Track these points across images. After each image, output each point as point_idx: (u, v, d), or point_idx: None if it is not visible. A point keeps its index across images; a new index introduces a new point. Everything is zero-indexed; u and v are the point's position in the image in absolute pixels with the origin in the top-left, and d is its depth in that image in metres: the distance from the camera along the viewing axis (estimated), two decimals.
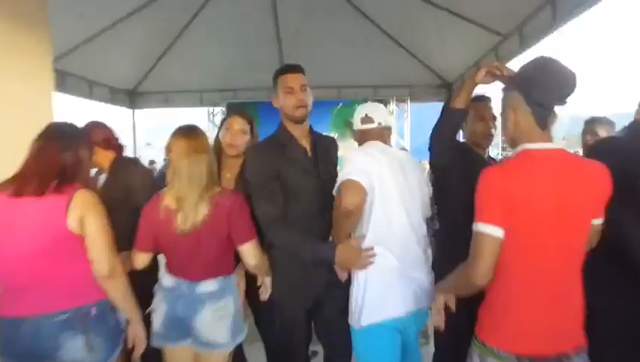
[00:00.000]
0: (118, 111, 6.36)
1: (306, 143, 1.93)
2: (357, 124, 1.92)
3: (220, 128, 2.29)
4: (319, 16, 5.01)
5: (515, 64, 4.37)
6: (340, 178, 1.67)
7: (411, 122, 6.45)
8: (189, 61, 5.87)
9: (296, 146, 1.89)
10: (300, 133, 1.92)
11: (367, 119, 1.88)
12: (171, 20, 5.15)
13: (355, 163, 1.70)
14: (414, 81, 6.32)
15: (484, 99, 2.11)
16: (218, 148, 2.19)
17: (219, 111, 6.59)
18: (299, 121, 1.90)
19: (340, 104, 6.21)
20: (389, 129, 1.91)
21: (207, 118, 6.66)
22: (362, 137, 1.91)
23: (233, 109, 5.14)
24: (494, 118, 2.07)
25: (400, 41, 5.42)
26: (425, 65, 5.90)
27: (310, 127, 1.98)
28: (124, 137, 2.50)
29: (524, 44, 3.91)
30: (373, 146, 1.80)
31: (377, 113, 1.89)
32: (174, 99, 6.71)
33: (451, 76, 6.03)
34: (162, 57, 5.80)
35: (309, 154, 1.91)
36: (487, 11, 4.13)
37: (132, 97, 6.59)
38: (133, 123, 6.73)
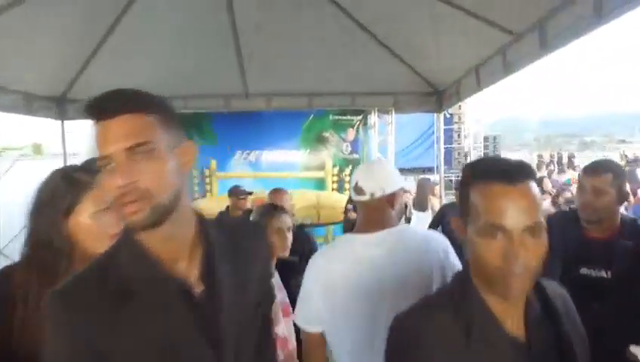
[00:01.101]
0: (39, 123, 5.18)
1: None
2: (352, 194, 1.63)
3: None
4: (283, 7, 3.99)
5: (531, 69, 3.55)
6: (297, 319, 1.50)
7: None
8: (127, 61, 4.76)
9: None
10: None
11: (357, 189, 1.56)
12: (105, 7, 4.04)
13: (308, 288, 1.46)
14: (399, 88, 5.38)
15: None
16: None
17: None
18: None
19: (312, 115, 5.21)
20: (390, 199, 1.52)
21: None
22: (358, 213, 1.60)
23: None
24: None
25: (382, 40, 4.45)
26: (412, 68, 4.95)
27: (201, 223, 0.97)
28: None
29: (546, 46, 2.99)
30: (343, 245, 1.52)
31: (371, 181, 1.52)
32: None
33: (443, 82, 5.11)
34: (95, 55, 4.66)
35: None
36: (495, 2, 3.21)
37: (60, 106, 5.41)
38: (63, 136, 5.55)
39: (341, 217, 4.97)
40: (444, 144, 17.45)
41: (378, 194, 1.48)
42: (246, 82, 5.26)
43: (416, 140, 17.57)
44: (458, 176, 15.18)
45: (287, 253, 2.12)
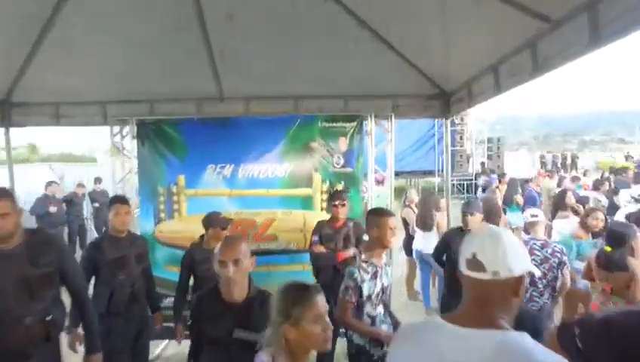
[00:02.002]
0: None
1: None
2: (461, 266, 1.22)
3: None
4: None
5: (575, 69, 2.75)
6: None
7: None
8: (83, 59, 3.98)
9: None
10: None
11: (473, 263, 1.17)
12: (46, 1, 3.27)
13: None
14: (400, 90, 4.60)
15: None
16: None
17: (127, 133, 4.67)
18: None
19: (298, 121, 4.43)
20: (517, 284, 1.14)
21: (110, 139, 4.74)
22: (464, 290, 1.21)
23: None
24: None
25: (381, 33, 3.68)
26: (414, 66, 4.17)
27: None
28: None
29: (597, 40, 2.20)
30: (427, 336, 1.18)
31: (495, 255, 1.14)
32: (68, 113, 4.78)
33: (451, 83, 4.34)
34: (38, 52, 3.87)
35: None
36: None
37: (2, 110, 4.63)
38: (8, 145, 4.77)
39: None
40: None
41: (504, 274, 1.13)
42: (220, 84, 4.49)
43: (415, 142, 16.80)
44: (460, 181, 14.33)
45: None
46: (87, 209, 9.93)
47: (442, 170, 15.92)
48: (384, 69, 4.14)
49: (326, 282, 3.56)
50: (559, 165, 25.25)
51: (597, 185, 7.54)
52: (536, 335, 1.15)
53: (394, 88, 4.60)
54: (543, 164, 26.93)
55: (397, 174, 17.07)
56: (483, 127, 18.85)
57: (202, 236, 3.60)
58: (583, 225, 4.35)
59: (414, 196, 6.21)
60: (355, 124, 4.39)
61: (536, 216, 4.01)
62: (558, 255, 3.62)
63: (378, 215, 2.78)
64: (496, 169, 15.65)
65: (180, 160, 4.41)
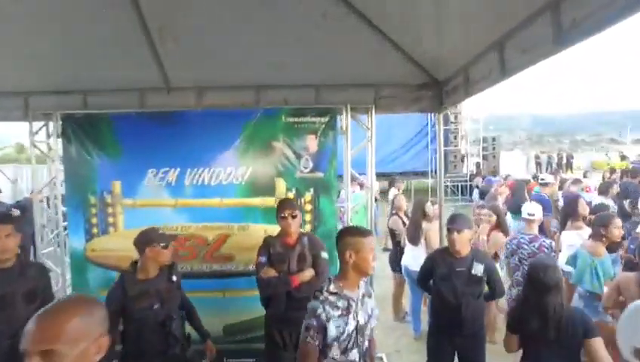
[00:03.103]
0: None
1: None
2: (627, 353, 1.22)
3: None
4: None
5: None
6: None
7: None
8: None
9: None
10: None
11: None
12: None
13: None
14: (383, 78, 3.84)
15: None
16: None
17: (54, 131, 3.85)
18: None
19: (257, 115, 3.65)
20: None
21: (29, 138, 3.91)
22: None
23: None
24: None
25: (360, 9, 2.92)
26: (400, 49, 3.41)
27: None
28: None
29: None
30: None
31: None
32: None
33: (444, 69, 3.59)
34: None
35: None
36: None
37: None
38: None
39: None
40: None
41: None
42: (164, 70, 3.70)
43: (408, 142, 16.06)
44: (454, 182, 13.50)
45: None
46: None
47: (435, 171, 15.25)
48: (364, 52, 3.40)
49: (278, 314, 2.80)
50: (555, 165, 24.71)
51: (604, 189, 6.80)
52: None
53: (376, 76, 3.83)
54: (538, 165, 26.39)
55: (388, 175, 16.38)
56: (477, 127, 18.15)
57: (136, 262, 2.74)
58: (598, 236, 3.60)
59: (403, 203, 5.45)
60: (327, 119, 3.62)
61: (533, 214, 4.18)
62: (546, 250, 3.81)
63: (353, 235, 2.15)
64: (492, 169, 14.97)
65: (114, 163, 3.61)
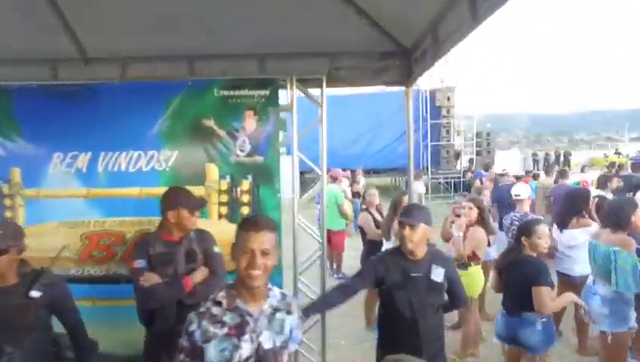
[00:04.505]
0: None
1: None
2: None
3: None
4: None
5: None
6: None
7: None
8: None
9: None
10: None
11: None
12: None
13: None
14: (339, 46, 3.23)
15: None
16: None
17: None
18: None
19: (184, 89, 3.03)
20: None
21: None
22: None
23: None
24: None
25: None
26: (363, 12, 2.81)
27: None
28: None
29: None
30: None
31: None
32: None
33: (411, 34, 2.98)
34: None
35: None
36: None
37: None
38: None
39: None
40: (432, 141, 15.41)
41: None
42: (77, 38, 3.09)
43: (400, 137, 15.44)
44: (447, 178, 12.93)
45: None
46: None
47: (427, 168, 14.66)
48: (317, 16, 2.81)
49: (167, 330, 2.17)
50: (552, 162, 24.20)
51: (603, 182, 6.22)
52: None
53: (331, 44, 3.22)
54: (535, 162, 25.85)
55: (379, 172, 15.78)
56: (471, 124, 17.52)
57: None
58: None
59: (375, 198, 4.85)
60: (267, 92, 3.00)
61: (519, 194, 4.57)
62: None
63: (240, 227, 1.59)
64: (485, 164, 14.37)
65: (12, 145, 2.99)
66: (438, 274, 2.19)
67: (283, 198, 3.17)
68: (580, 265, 3.96)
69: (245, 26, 3.02)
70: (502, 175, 8.01)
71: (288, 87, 3.03)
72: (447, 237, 4.07)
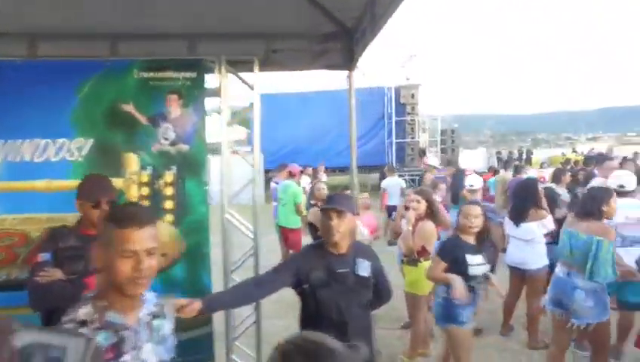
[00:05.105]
0: None
1: None
2: None
3: None
4: None
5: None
6: None
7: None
8: None
9: None
10: None
11: None
12: None
13: None
14: (276, 27, 3.00)
15: None
16: None
17: None
18: None
19: (100, 69, 2.71)
20: None
21: None
22: None
23: None
24: None
25: None
26: None
27: None
28: None
29: None
30: None
31: None
32: None
33: (351, 11, 2.77)
34: None
35: None
36: None
37: None
38: None
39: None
40: (397, 138, 15.41)
41: None
42: None
43: (366, 134, 15.33)
44: (412, 176, 12.91)
45: None
46: None
47: (392, 165, 14.60)
48: None
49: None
50: (512, 159, 24.90)
51: (557, 177, 6.25)
52: None
53: (268, 25, 2.98)
54: (500, 160, 26.47)
55: (344, 169, 15.62)
56: (437, 122, 17.64)
57: None
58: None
59: (323, 192, 4.65)
60: (193, 75, 2.72)
61: (473, 185, 5.16)
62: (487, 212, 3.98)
63: (115, 223, 1.26)
64: (447, 161, 14.47)
65: None
66: (364, 269, 1.98)
67: (240, 197, 2.93)
68: (535, 259, 3.89)
69: (174, 4, 2.74)
70: (461, 171, 8.03)
71: (217, 70, 2.76)
72: (397, 232, 3.91)
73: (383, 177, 9.59)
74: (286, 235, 6.17)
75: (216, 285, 2.84)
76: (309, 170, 9.40)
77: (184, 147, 2.69)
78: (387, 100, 14.74)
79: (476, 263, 2.71)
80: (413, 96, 14.88)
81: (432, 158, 7.99)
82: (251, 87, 2.89)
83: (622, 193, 3.56)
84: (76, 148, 2.66)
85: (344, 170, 15.30)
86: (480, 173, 11.82)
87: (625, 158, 9.84)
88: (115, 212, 1.33)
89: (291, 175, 6.74)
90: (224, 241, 2.85)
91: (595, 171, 6.44)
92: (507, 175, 8.28)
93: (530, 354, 3.78)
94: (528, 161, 28.33)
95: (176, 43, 2.97)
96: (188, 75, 2.71)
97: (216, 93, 2.80)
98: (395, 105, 14.70)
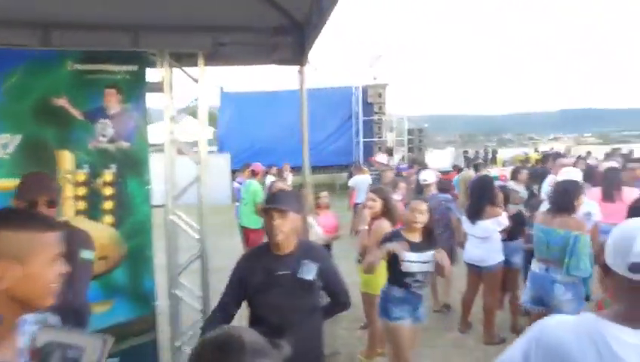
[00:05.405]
0: None
1: None
2: (620, 268, 1.02)
3: None
4: None
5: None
6: None
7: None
8: None
9: None
10: None
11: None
12: None
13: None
14: (225, 20, 2.88)
15: None
16: None
17: None
18: None
19: (28, 59, 2.52)
20: None
21: None
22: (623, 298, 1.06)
23: None
24: None
25: None
26: None
27: None
28: None
29: None
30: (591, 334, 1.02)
31: None
32: None
33: (303, 6, 2.69)
34: None
35: None
36: None
37: None
38: None
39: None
40: (364, 137, 15.47)
41: None
42: None
43: (334, 133, 15.31)
44: (379, 175, 12.85)
45: None
46: None
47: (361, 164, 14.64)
48: None
49: None
50: (475, 158, 25.57)
51: (515, 174, 6.42)
52: None
53: (216, 17, 2.86)
54: (467, 159, 27.08)
55: (311, 169, 15.53)
56: (404, 122, 17.82)
57: None
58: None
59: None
60: (134, 68, 2.58)
61: (426, 180, 4.95)
62: (443, 202, 4.69)
63: (16, 226, 1.01)
64: (413, 160, 14.66)
65: None
66: (308, 271, 1.88)
67: (215, 198, 2.79)
68: (491, 256, 3.94)
69: None
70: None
71: (160, 62, 2.62)
72: (357, 231, 3.87)
73: (351, 176, 9.62)
74: (247, 235, 6.04)
75: (161, 289, 2.70)
76: (274, 170, 9.25)
77: (124, 144, 2.55)
78: (355, 100, 14.77)
79: (412, 260, 2.64)
80: (380, 95, 14.97)
81: (381, 156, 7.98)
82: (196, 81, 2.76)
83: None
84: (1, 144, 2.47)
85: (312, 169, 15.25)
86: (445, 172, 12.04)
87: (579, 157, 10.42)
88: (8, 213, 1.15)
89: (254, 174, 6.62)
90: (168, 243, 2.71)
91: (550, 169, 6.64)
92: (469, 173, 8.44)
93: (486, 350, 3.81)
94: (493, 160, 29.17)
95: (116, 35, 2.80)
96: (128, 68, 2.57)
97: (159, 88, 2.66)
98: (362, 105, 14.75)
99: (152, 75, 2.66)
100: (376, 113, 14.88)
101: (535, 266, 3.22)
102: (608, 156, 10.69)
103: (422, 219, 2.71)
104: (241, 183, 6.65)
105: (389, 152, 15.71)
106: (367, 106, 14.93)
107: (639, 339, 0.97)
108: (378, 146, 14.89)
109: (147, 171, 2.60)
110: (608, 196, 3.85)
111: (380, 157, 7.67)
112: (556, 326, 1.10)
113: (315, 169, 15.85)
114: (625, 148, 16.73)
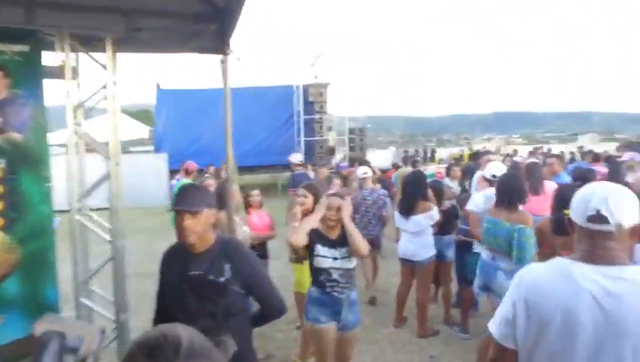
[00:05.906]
0: None
1: None
2: (579, 219, 1.29)
3: None
4: None
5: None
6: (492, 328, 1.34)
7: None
8: None
9: None
10: None
11: (598, 218, 1.24)
12: None
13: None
14: (138, 3, 2.64)
15: None
16: None
17: None
18: None
19: None
20: (635, 230, 1.27)
21: None
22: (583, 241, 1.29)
23: None
24: None
25: None
26: None
27: None
28: None
29: None
30: (563, 273, 1.26)
31: (621, 209, 1.24)
32: None
33: None
34: None
35: None
36: None
37: None
38: None
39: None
40: (306, 136, 15.39)
41: (627, 224, 1.24)
42: None
43: (275, 131, 15.07)
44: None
45: None
46: None
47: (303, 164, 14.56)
48: None
49: None
50: (420, 158, 26.56)
51: (449, 171, 6.67)
52: None
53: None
54: (407, 158, 28.07)
55: (254, 169, 15.25)
56: (345, 121, 18.00)
57: None
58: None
59: (211, 189, 4.32)
60: (25, 48, 2.27)
61: (366, 173, 5.17)
62: (382, 197, 5.11)
63: None
64: (354, 159, 14.85)
65: None
66: (220, 271, 1.71)
67: (151, 200, 2.50)
68: (424, 250, 3.99)
69: None
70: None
71: (58, 45, 2.34)
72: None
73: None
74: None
75: (67, 299, 2.42)
76: (212, 170, 8.92)
77: (16, 136, 2.23)
78: (296, 98, 14.67)
79: (323, 254, 2.57)
80: (321, 94, 14.99)
81: (295, 156, 7.95)
82: (104, 67, 2.49)
83: (493, 182, 3.76)
84: None
85: (253, 169, 14.93)
86: (385, 170, 12.22)
87: (507, 155, 11.25)
88: None
89: (187, 173, 6.32)
90: (74, 247, 2.43)
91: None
92: (407, 170, 8.65)
93: (420, 343, 3.86)
94: (432, 158, 30.52)
95: (5, 9, 2.46)
96: (17, 48, 2.25)
97: (57, 73, 2.37)
98: (303, 104, 14.68)
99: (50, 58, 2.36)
100: (317, 112, 14.88)
101: (484, 254, 3.39)
102: (531, 154, 11.76)
103: (336, 216, 2.60)
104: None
105: (331, 151, 15.80)
106: (309, 105, 14.88)
107: (597, 273, 1.22)
108: (320, 145, 14.92)
109: (46, 168, 2.30)
110: (534, 189, 4.04)
111: (294, 157, 7.62)
112: (532, 270, 1.34)
113: (257, 168, 15.61)
114: (545, 148, 18.31)
